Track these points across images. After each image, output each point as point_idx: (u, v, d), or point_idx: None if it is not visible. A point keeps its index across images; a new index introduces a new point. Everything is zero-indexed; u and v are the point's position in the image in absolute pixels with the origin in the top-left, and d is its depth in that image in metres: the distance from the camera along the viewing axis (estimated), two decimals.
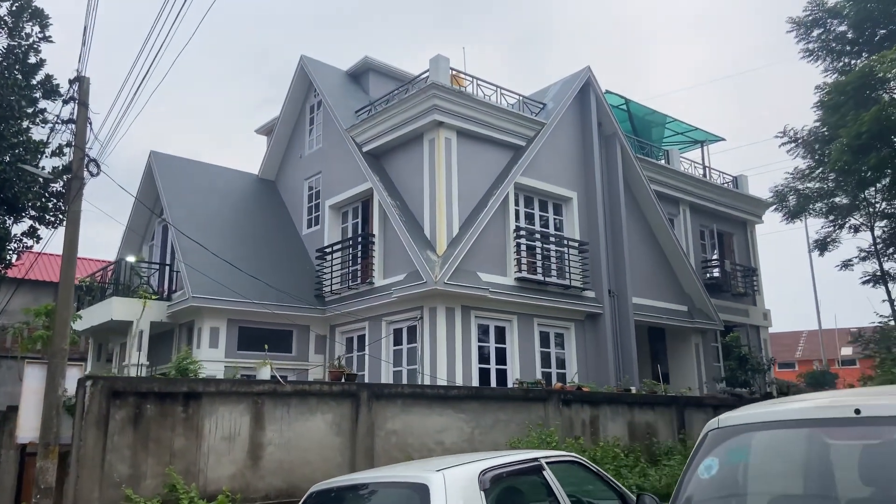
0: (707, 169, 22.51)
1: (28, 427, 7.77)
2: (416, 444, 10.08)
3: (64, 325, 8.37)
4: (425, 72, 16.24)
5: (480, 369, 14.89)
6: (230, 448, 8.24)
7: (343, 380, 9.70)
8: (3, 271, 10.38)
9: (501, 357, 15.49)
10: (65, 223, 8.66)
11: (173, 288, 17.16)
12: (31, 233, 10.56)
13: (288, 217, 20.09)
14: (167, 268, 17.38)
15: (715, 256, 21.88)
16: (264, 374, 9.10)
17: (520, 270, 15.84)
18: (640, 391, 14.08)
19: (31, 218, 10.52)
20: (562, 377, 16.19)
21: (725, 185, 22.81)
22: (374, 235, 16.44)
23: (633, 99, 21.09)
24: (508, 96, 17.04)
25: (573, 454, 5.72)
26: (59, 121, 8.47)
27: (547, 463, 4.68)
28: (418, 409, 10.22)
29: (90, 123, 8.68)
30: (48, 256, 23.92)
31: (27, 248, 10.66)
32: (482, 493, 3.68)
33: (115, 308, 15.72)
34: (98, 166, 8.63)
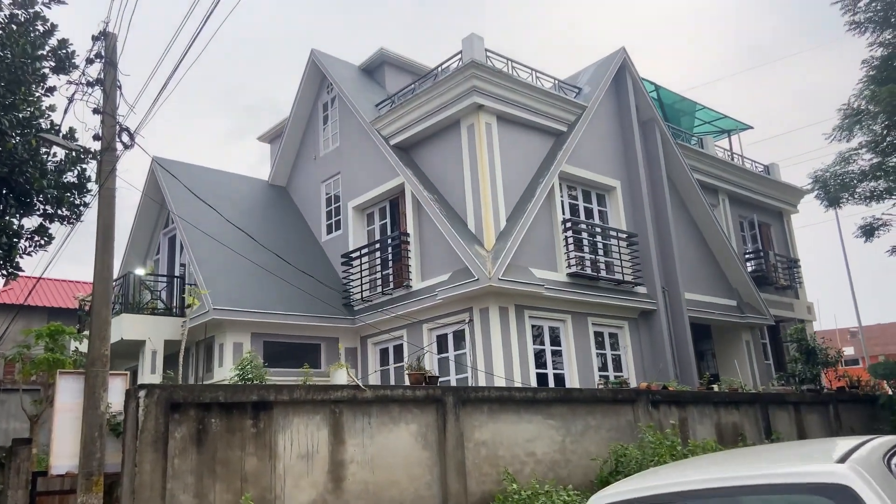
0: (740, 158, 21.43)
1: (64, 454, 6.21)
2: (508, 457, 8.60)
3: (104, 326, 6.88)
4: (457, 54, 14.96)
5: (538, 375, 13.46)
6: (308, 468, 6.72)
7: (424, 383, 8.23)
8: (11, 277, 8.79)
9: (557, 360, 14.07)
10: (97, 204, 7.20)
11: (187, 303, 15.51)
12: (42, 230, 8.99)
13: (304, 223, 18.60)
14: (180, 280, 15.76)
15: (755, 248, 20.69)
16: (339, 377, 7.61)
17: (571, 265, 14.48)
18: (720, 390, 12.72)
19: (42, 215, 8.96)
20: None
21: (759, 173, 21.73)
22: (407, 234, 15.01)
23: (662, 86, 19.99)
24: (544, 80, 15.81)
25: None
26: (82, 82, 6.99)
27: None
28: (506, 416, 8.77)
29: (120, 88, 7.24)
30: (44, 281, 22.12)
31: (39, 246, 9.09)
32: None
33: (125, 326, 14.07)
34: (132, 136, 7.18)
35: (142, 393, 5.67)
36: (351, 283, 16.08)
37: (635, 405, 10.46)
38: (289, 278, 15.95)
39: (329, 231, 17.87)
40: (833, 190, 18.75)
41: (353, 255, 16.16)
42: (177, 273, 16.46)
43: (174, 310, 15.40)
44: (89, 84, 7.14)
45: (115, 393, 6.58)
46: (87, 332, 13.56)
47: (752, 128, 22.78)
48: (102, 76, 7.12)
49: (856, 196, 18.97)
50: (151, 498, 5.45)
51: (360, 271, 15.85)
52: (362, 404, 7.39)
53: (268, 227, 17.78)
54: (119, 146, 7.07)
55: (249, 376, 7.51)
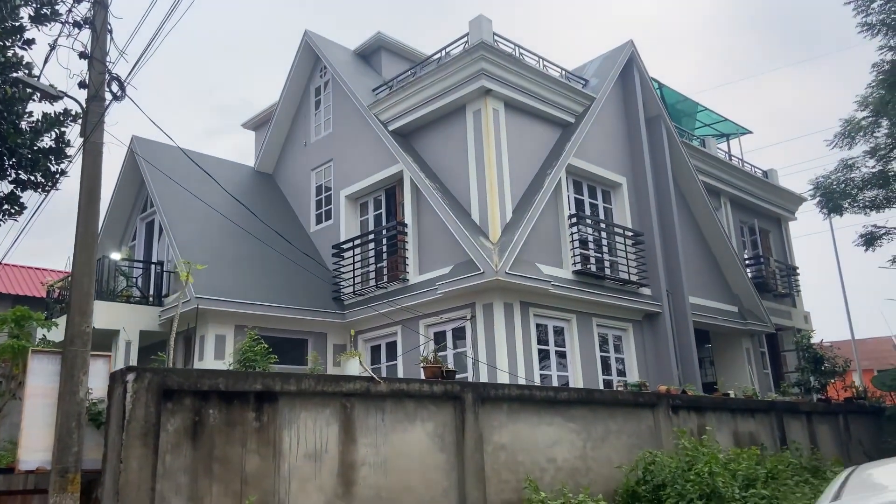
0: (740, 161, 20.98)
1: (34, 446, 5.25)
2: (528, 463, 7.80)
3: (85, 300, 5.95)
4: (462, 37, 14.19)
5: (541, 377, 12.68)
6: (316, 470, 5.85)
7: (441, 379, 7.37)
8: None
9: (561, 362, 13.31)
10: (81, 159, 6.23)
11: (164, 291, 14.48)
12: (13, 198, 7.94)
13: (291, 213, 17.63)
14: (159, 266, 14.69)
15: (755, 254, 20.21)
16: (351, 368, 6.70)
17: (577, 263, 13.76)
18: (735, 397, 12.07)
19: (14, 182, 7.92)
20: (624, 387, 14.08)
21: (761, 178, 21.29)
22: (405, 225, 14.16)
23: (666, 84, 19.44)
24: (551, 69, 15.10)
25: None
26: (68, 21, 6.04)
27: None
28: (526, 417, 7.97)
29: (110, 32, 6.31)
30: (8, 267, 20.76)
31: (9, 215, 8.01)
32: None
33: (98, 314, 12.85)
34: (122, 86, 6.25)
35: (130, 377, 4.76)
36: (342, 276, 15.17)
37: (656, 410, 9.74)
38: (276, 269, 15.01)
39: (319, 221, 16.93)
40: (835, 197, 18.39)
41: (345, 246, 15.25)
42: (154, 259, 15.38)
43: (150, 298, 14.33)
44: (76, 24, 6.21)
45: (97, 377, 5.65)
46: (55, 321, 12.47)
47: (751, 132, 22.38)
48: (92, 15, 6.19)
49: (856, 204, 18.64)
50: (138, 499, 4.54)
51: (353, 263, 14.95)
52: (376, 399, 6.53)
53: (254, 215, 16.76)
54: (108, 96, 6.17)
55: (252, 364, 6.59)
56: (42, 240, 52.16)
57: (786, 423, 12.33)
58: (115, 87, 6.24)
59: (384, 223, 15.26)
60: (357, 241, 15.14)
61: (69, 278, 15.29)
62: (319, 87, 17.89)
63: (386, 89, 15.60)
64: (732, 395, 11.92)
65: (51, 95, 6.51)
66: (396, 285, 14.04)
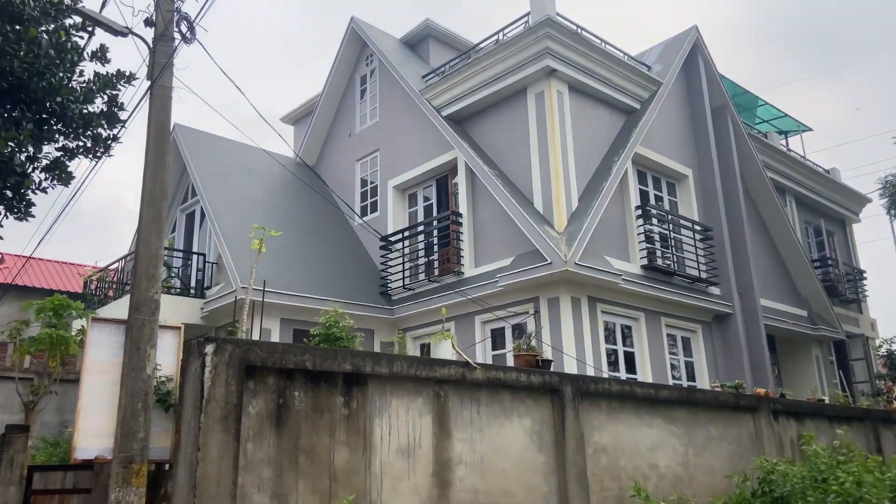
0: (803, 158, 19.85)
1: (94, 430, 4.42)
2: (630, 469, 6.86)
3: (153, 261, 5.20)
4: (521, 18, 13.39)
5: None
6: (410, 468, 4.97)
7: (537, 368, 6.47)
8: (23, 217, 6.94)
9: (630, 364, 12.33)
10: (149, 105, 5.50)
11: (206, 284, 13.76)
12: (60, 165, 7.15)
13: (334, 205, 16.85)
14: (201, 258, 13.99)
15: (822, 255, 19.04)
16: (443, 351, 5.80)
17: (645, 257, 12.80)
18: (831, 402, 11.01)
19: (60, 149, 7.16)
20: None
21: (827, 176, 20.14)
22: (459, 215, 13.32)
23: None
24: (613, 52, 14.20)
25: None
26: None
27: None
28: (626, 416, 7.03)
29: None
30: (37, 261, 20.27)
31: (59, 179, 7.19)
32: None
33: None
34: (192, 27, 5.52)
35: (209, 348, 3.93)
36: (390, 270, 14.34)
37: (756, 414, 8.74)
38: (321, 263, 14.26)
39: (364, 213, 16.15)
40: None
41: (394, 238, 14.43)
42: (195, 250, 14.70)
43: (192, 290, 13.62)
44: None
45: (165, 352, 4.86)
46: (95, 311, 11.79)
47: (811, 130, 21.24)
48: None
49: None
50: (218, 496, 3.69)
51: (403, 256, 14.12)
52: (471, 388, 5.65)
53: (298, 206, 16.07)
54: (177, 36, 5.45)
55: (335, 342, 5.71)
56: (65, 246, 52.15)
57: (881, 433, 11.23)
58: (184, 28, 5.52)
59: (435, 214, 14.42)
60: (406, 233, 14.32)
61: (109, 266, 14.69)
62: (365, 76, 17.18)
63: (436, 76, 14.82)
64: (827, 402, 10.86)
65: (114, 31, 5.78)
66: (449, 279, 13.17)
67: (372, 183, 16.06)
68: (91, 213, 61.95)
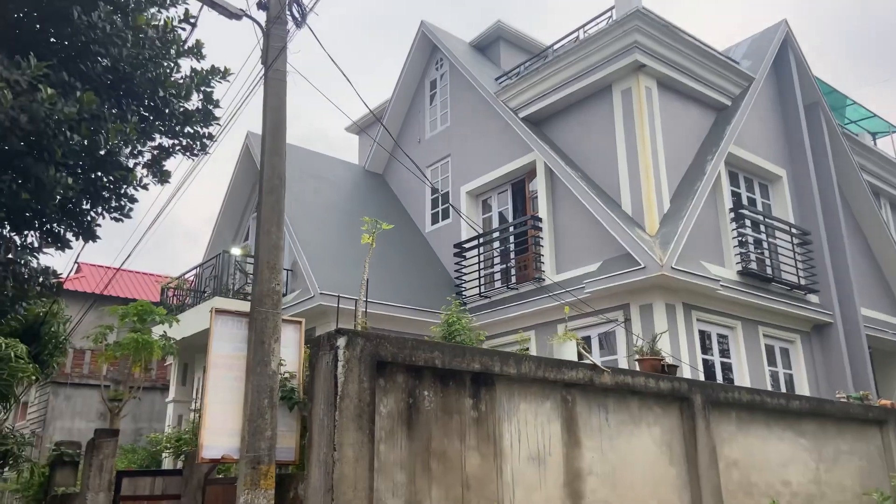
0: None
1: (221, 429, 4.07)
2: (762, 485, 6.18)
3: (274, 252, 4.95)
4: (604, 13, 12.88)
5: None
6: (541, 477, 4.48)
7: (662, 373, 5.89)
8: (123, 215, 6.79)
9: (726, 376, 11.52)
10: (263, 92, 5.25)
11: (283, 290, 13.56)
12: (157, 163, 6.98)
13: (404, 212, 16.57)
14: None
15: None
16: (568, 351, 5.26)
17: (740, 262, 12.01)
18: None
19: (156, 148, 6.97)
20: None
21: None
22: (539, 219, 12.79)
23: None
24: (703, 48, 13.50)
25: None
26: None
27: None
28: (756, 429, 6.37)
29: None
30: (120, 272, 20.59)
31: (160, 177, 7.03)
32: None
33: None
34: (303, 11, 5.24)
35: (341, 341, 3.54)
36: (465, 277, 13.89)
37: (885, 428, 7.91)
38: (395, 270, 13.91)
39: (434, 221, 15.78)
40: None
41: (468, 245, 13.99)
42: None
43: None
44: None
45: (287, 347, 4.53)
46: (177, 317, 11.69)
47: None
48: None
49: None
50: (355, 501, 3.26)
51: (479, 263, 13.66)
52: (598, 393, 5.12)
53: (367, 213, 15.79)
54: (289, 20, 5.18)
55: (457, 338, 5.28)
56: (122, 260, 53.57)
57: None
58: (295, 13, 5.25)
59: (511, 219, 13.93)
60: (482, 240, 13.86)
61: (187, 272, 14.70)
62: (435, 80, 16.89)
63: (510, 78, 14.40)
64: None
65: (230, 13, 5.54)
66: (529, 286, 12.63)
67: (444, 190, 15.69)
68: (144, 229, 63.59)
